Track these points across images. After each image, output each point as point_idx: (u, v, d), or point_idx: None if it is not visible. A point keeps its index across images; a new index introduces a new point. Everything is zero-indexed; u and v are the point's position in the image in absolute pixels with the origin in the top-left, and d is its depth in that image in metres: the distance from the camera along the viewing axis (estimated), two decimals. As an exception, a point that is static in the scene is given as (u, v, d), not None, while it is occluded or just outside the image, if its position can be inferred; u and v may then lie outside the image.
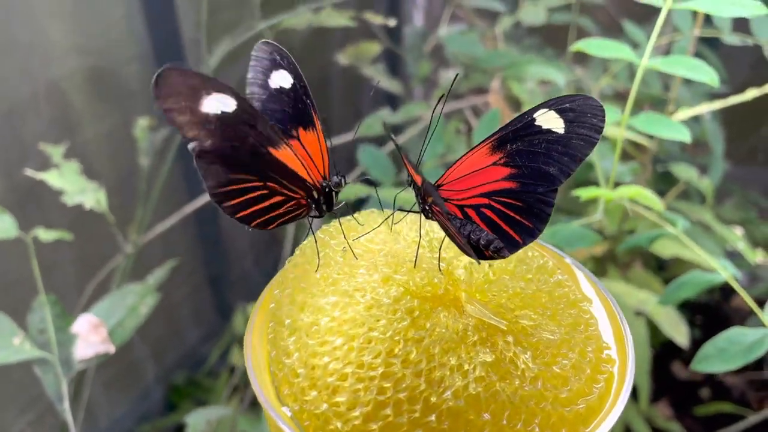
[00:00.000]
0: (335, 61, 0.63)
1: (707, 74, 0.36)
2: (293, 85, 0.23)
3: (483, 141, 0.22)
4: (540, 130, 0.22)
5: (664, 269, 0.74)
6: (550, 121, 0.22)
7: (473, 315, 0.21)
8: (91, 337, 0.45)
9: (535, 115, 0.22)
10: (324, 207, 0.24)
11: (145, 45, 0.63)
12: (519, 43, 0.61)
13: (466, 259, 0.23)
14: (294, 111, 0.23)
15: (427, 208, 0.22)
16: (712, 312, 0.82)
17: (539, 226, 0.22)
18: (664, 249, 0.57)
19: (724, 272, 0.42)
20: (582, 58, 0.61)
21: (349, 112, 0.88)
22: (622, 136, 0.39)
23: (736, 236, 0.58)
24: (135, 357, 0.71)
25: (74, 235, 0.47)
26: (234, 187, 0.22)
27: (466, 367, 0.20)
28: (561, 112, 0.22)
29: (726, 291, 0.85)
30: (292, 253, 0.25)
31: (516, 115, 0.23)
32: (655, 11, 0.60)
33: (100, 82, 0.61)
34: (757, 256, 0.58)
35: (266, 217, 0.23)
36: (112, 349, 0.45)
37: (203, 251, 0.77)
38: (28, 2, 0.51)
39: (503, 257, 0.22)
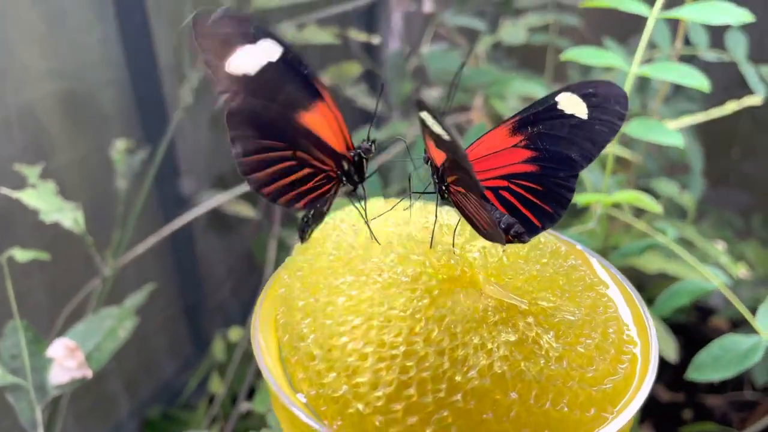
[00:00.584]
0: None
1: (697, 79, 0.37)
2: (283, 54, 0.20)
3: (502, 122, 0.22)
4: (563, 115, 0.21)
5: (645, 289, 0.74)
6: (573, 105, 0.21)
7: (492, 295, 0.20)
8: (67, 361, 0.43)
9: (557, 99, 0.22)
10: (356, 177, 0.22)
11: (121, 69, 0.63)
12: (499, 64, 0.62)
13: (479, 243, 0.23)
14: (294, 84, 0.21)
15: (444, 188, 0.22)
16: (690, 333, 0.82)
17: (559, 211, 0.21)
18: (650, 264, 0.57)
19: (716, 280, 0.42)
20: (561, 76, 0.62)
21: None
22: (613, 145, 0.39)
23: (719, 251, 0.59)
24: (108, 390, 0.68)
25: (49, 259, 0.45)
26: (262, 156, 0.20)
27: (489, 345, 0.19)
28: (584, 97, 0.21)
29: (704, 311, 0.85)
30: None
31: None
32: (632, 31, 0.62)
33: (75, 106, 0.60)
34: (739, 270, 0.59)
35: (295, 192, 0.21)
36: (89, 373, 0.43)
37: (179, 279, 0.75)
38: (1, 26, 0.50)
39: (523, 242, 0.21)
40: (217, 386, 0.64)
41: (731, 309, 0.78)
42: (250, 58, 0.19)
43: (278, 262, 0.65)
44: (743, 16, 0.35)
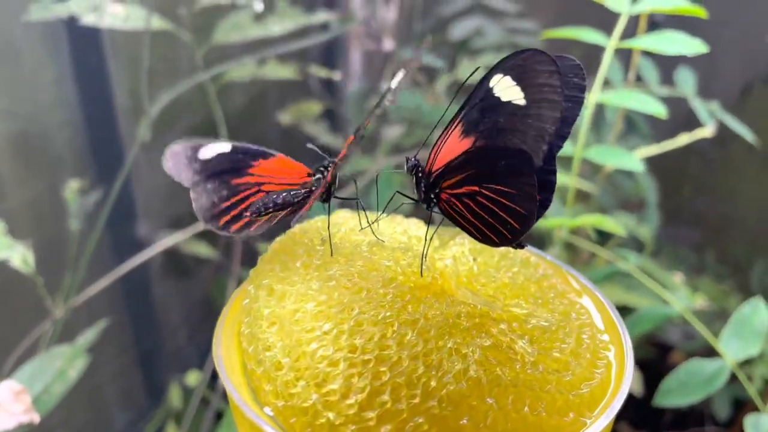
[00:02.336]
0: (272, 120, 0.62)
1: (655, 107, 0.37)
2: (232, 147, 0.24)
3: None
4: None
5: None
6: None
7: (465, 301, 0.20)
8: (12, 406, 0.41)
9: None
10: (331, 188, 0.23)
11: (75, 110, 0.62)
12: (457, 101, 0.63)
13: (449, 252, 0.22)
14: (241, 157, 0.24)
15: (432, 197, 0.21)
16: (651, 370, 0.83)
17: (548, 196, 0.21)
18: (610, 296, 0.57)
19: (678, 305, 0.43)
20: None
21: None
22: (577, 168, 0.40)
23: (677, 282, 0.60)
24: (56, 444, 0.64)
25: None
26: (230, 201, 0.23)
27: (464, 350, 0.18)
28: None
29: (663, 348, 0.86)
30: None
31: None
32: (587, 69, 0.63)
33: (27, 146, 0.58)
34: (698, 301, 0.60)
35: (263, 220, 0.22)
36: (36, 418, 0.40)
37: (133, 324, 0.72)
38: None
39: (521, 247, 0.21)
40: (173, 434, 0.61)
41: (690, 344, 0.79)
42: (208, 152, 0.24)
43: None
44: (697, 46, 0.37)
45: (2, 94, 0.54)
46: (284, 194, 0.22)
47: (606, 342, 0.21)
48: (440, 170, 0.21)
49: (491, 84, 0.20)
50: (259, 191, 0.23)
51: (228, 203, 0.23)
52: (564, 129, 0.21)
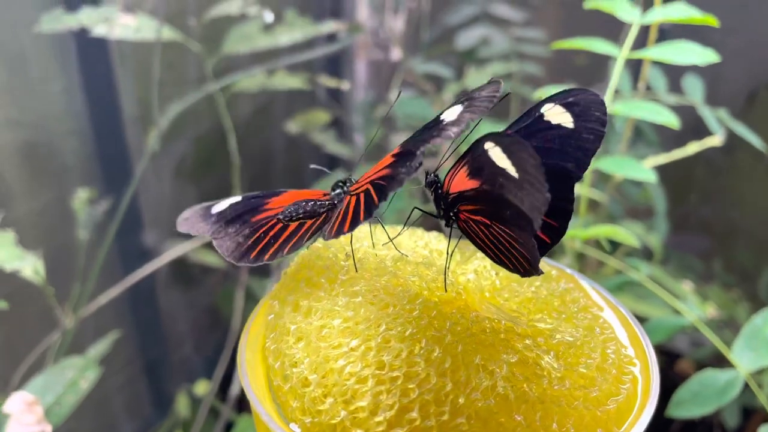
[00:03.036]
0: (280, 129, 0.62)
1: (667, 117, 0.37)
2: (243, 197, 0.25)
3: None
4: (550, 126, 0.21)
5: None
6: (557, 116, 0.21)
7: (490, 316, 0.20)
8: (25, 417, 0.41)
9: (542, 111, 0.21)
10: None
11: (83, 119, 0.62)
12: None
13: (471, 266, 0.22)
14: (254, 200, 0.25)
15: (451, 215, 0.21)
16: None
17: (564, 225, 0.21)
18: (621, 305, 0.57)
19: (690, 315, 0.43)
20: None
21: (293, 179, 0.87)
22: (589, 178, 0.40)
23: (686, 291, 0.60)
24: (63, 454, 0.64)
25: (7, 308, 0.43)
26: (254, 237, 0.23)
27: (491, 367, 0.18)
28: (567, 106, 0.21)
29: (670, 356, 0.86)
30: (241, 329, 0.24)
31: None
32: (593, 80, 0.63)
33: (36, 156, 0.58)
34: (707, 310, 0.60)
35: (294, 239, 0.23)
36: (48, 429, 0.40)
37: (140, 335, 0.72)
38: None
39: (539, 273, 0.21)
40: (181, 445, 0.61)
41: (698, 352, 0.78)
42: (220, 206, 0.25)
43: (246, 313, 0.63)
44: (709, 56, 0.37)
45: (11, 104, 0.55)
46: (312, 203, 0.22)
47: (631, 357, 0.21)
48: (456, 195, 0.21)
49: (486, 147, 0.19)
50: (277, 222, 0.24)
51: (253, 239, 0.23)
52: (584, 161, 0.21)
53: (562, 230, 0.21)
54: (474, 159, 0.19)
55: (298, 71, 0.58)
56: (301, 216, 0.22)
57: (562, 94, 0.21)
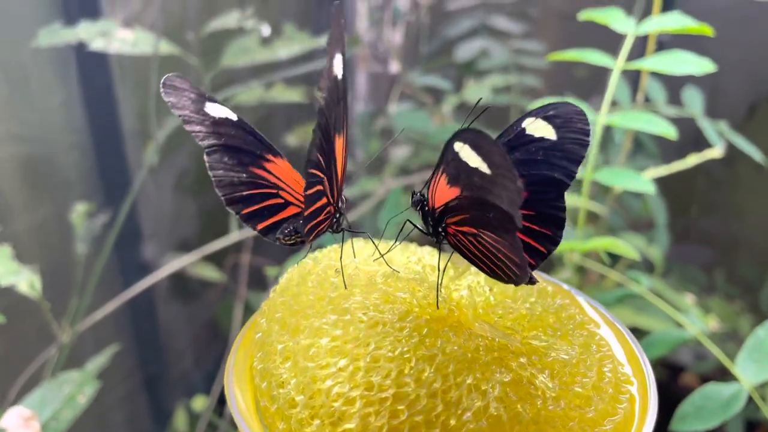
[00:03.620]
0: (279, 143, 0.62)
1: (664, 127, 0.37)
2: (239, 119, 0.23)
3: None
4: (533, 139, 0.21)
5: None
6: (540, 129, 0.21)
7: (483, 334, 0.19)
8: (21, 432, 0.40)
9: (523, 125, 0.21)
10: (338, 217, 0.23)
11: (83, 133, 0.62)
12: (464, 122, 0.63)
13: (464, 282, 0.22)
14: (253, 140, 0.23)
15: (440, 231, 0.21)
16: (662, 391, 0.82)
17: (558, 233, 0.20)
18: (621, 318, 0.57)
19: (692, 328, 0.42)
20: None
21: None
22: (587, 191, 0.39)
23: (688, 304, 0.59)
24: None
25: (3, 322, 0.43)
26: (251, 191, 0.22)
27: (483, 387, 0.18)
28: (548, 119, 0.21)
29: (674, 369, 0.85)
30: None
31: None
32: (591, 92, 0.63)
33: (35, 169, 0.58)
34: (711, 323, 0.59)
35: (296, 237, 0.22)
36: (44, 445, 0.40)
37: (139, 349, 0.72)
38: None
39: (532, 283, 0.21)
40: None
41: (701, 365, 0.78)
42: (216, 110, 0.23)
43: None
44: (705, 66, 0.36)
45: (10, 119, 0.55)
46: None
47: (628, 375, 0.20)
48: (441, 208, 0.21)
49: (456, 149, 0.18)
50: (278, 195, 0.23)
51: (249, 192, 0.22)
52: (571, 169, 0.21)
53: (556, 238, 0.21)
54: (448, 164, 0.19)
55: (297, 84, 0.58)
56: (299, 237, 0.22)
57: (542, 108, 0.21)
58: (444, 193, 0.20)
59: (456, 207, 0.20)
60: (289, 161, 0.24)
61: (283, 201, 0.23)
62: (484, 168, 0.17)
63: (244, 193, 0.22)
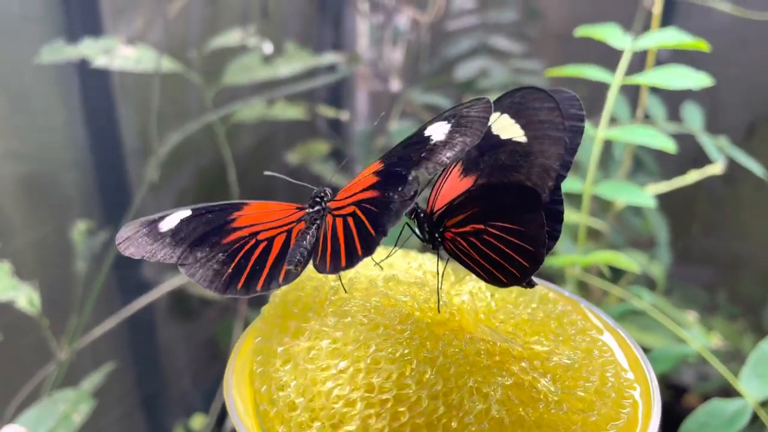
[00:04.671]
0: (280, 160, 0.62)
1: (664, 142, 0.37)
2: (192, 211, 0.23)
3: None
4: None
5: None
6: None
7: (484, 338, 0.19)
8: (14, 450, 0.40)
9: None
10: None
11: (84, 151, 0.62)
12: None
13: (466, 287, 0.22)
14: (213, 217, 0.23)
15: (437, 236, 0.21)
16: (665, 412, 0.81)
17: (557, 227, 0.20)
18: (624, 335, 0.56)
19: (695, 344, 0.42)
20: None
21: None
22: (587, 206, 0.39)
23: (691, 321, 0.59)
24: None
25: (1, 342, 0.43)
26: (234, 262, 0.21)
27: (485, 389, 0.18)
28: None
29: (677, 389, 0.84)
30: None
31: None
32: (590, 109, 0.63)
33: (36, 187, 0.58)
34: (713, 340, 0.59)
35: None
36: (38, 463, 0.39)
37: (137, 367, 0.71)
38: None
39: (531, 286, 0.20)
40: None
41: (704, 386, 0.77)
42: (168, 223, 0.22)
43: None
44: (703, 80, 0.36)
45: (12, 136, 0.55)
46: (308, 237, 0.21)
47: (631, 380, 0.20)
48: (443, 209, 0.21)
49: (489, 123, 0.19)
50: (256, 241, 0.22)
51: (233, 266, 0.21)
52: (566, 157, 0.20)
53: (555, 233, 0.20)
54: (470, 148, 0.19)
55: (299, 101, 0.58)
56: (306, 256, 0.20)
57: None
58: (452, 189, 0.20)
59: (462, 204, 0.20)
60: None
61: (266, 242, 0.22)
62: (518, 137, 0.17)
63: (230, 270, 0.21)
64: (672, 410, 0.81)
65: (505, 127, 0.19)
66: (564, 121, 0.18)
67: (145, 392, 0.72)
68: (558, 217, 0.20)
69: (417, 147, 0.19)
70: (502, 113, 0.19)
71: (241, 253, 0.21)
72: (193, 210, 0.23)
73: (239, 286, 0.21)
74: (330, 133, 0.70)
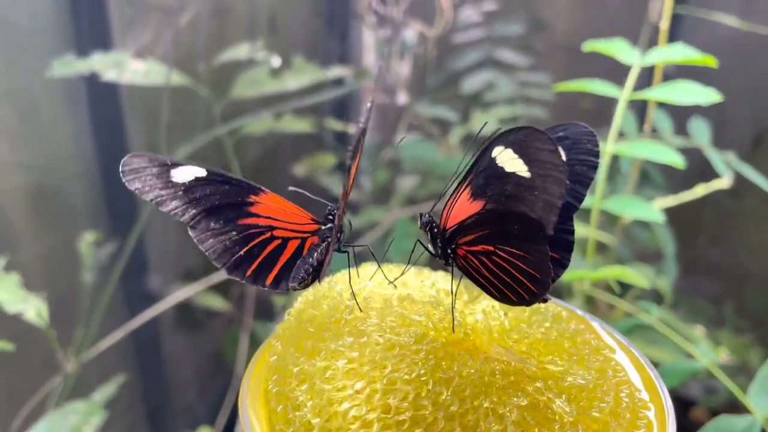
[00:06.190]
0: (287, 172, 0.62)
1: (672, 157, 0.37)
2: (208, 173, 0.22)
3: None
4: None
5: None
6: None
7: (499, 358, 0.19)
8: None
9: None
10: (339, 236, 0.22)
11: (92, 163, 0.62)
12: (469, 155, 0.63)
13: (479, 306, 0.22)
14: (230, 189, 0.22)
15: (449, 252, 0.21)
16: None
17: (566, 256, 0.20)
18: (632, 350, 0.56)
19: (703, 359, 0.42)
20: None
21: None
22: (596, 221, 0.39)
23: (698, 335, 0.58)
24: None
25: (12, 349, 0.43)
26: (247, 247, 0.21)
27: (500, 410, 0.18)
28: (558, 140, 0.21)
29: (685, 404, 0.84)
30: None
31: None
32: (596, 124, 0.64)
33: (43, 198, 0.58)
34: (720, 355, 0.58)
35: (279, 265, 0.21)
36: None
37: (143, 380, 0.71)
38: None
39: (545, 300, 0.20)
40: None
41: (711, 400, 0.76)
42: (183, 174, 0.22)
43: (251, 359, 0.63)
44: (711, 95, 0.37)
45: (20, 148, 0.55)
46: (315, 254, 0.21)
47: (645, 401, 0.20)
48: (454, 227, 0.21)
49: (494, 154, 0.19)
50: (272, 236, 0.22)
51: (245, 250, 0.21)
52: (580, 191, 0.21)
53: (565, 262, 0.20)
54: (478, 174, 0.19)
55: (306, 114, 0.59)
56: (311, 273, 0.21)
57: (551, 130, 0.21)
58: (462, 210, 0.20)
59: (472, 224, 0.20)
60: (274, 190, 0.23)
61: (281, 240, 0.22)
62: (522, 172, 0.17)
63: (242, 252, 0.21)
64: (678, 424, 0.81)
65: (510, 160, 0.19)
66: (563, 164, 0.18)
67: (151, 404, 0.72)
68: (568, 247, 0.20)
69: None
70: (506, 147, 0.19)
71: (255, 241, 0.21)
72: (208, 171, 0.22)
73: (248, 273, 0.21)
74: (337, 146, 0.70)
